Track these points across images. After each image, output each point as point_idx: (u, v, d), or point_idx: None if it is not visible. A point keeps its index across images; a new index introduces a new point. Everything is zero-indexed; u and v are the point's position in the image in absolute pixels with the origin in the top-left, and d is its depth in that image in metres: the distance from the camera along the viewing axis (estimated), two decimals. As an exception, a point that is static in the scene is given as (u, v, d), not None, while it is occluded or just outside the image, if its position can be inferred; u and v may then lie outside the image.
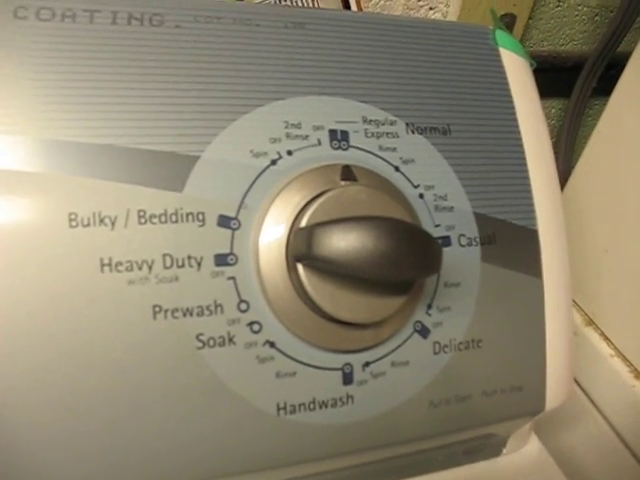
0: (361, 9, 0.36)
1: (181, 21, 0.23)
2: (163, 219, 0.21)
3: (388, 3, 0.41)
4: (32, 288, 0.19)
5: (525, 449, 0.29)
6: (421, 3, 0.42)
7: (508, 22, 0.42)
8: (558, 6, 0.46)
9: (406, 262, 0.20)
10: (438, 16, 0.43)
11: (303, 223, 0.21)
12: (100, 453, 0.20)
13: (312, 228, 0.20)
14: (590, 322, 0.36)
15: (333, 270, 0.20)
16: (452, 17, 0.42)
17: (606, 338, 0.35)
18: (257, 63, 0.23)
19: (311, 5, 0.38)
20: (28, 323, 0.19)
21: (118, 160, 0.21)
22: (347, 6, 0.36)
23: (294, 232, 0.21)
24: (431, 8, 0.42)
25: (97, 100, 0.21)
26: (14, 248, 0.19)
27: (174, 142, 0.21)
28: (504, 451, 0.29)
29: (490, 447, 0.28)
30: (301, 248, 0.20)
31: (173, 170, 0.21)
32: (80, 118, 0.21)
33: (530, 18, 0.45)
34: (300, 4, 0.38)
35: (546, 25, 0.46)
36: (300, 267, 0.21)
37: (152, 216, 0.21)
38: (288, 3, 0.38)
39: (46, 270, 0.20)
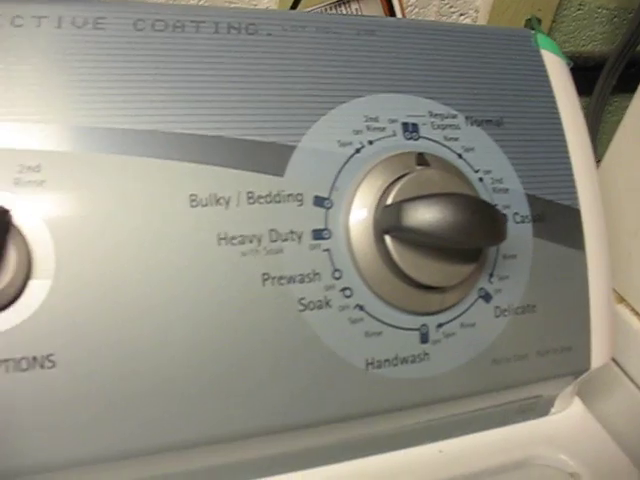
0: (405, 16, 0.41)
1: (272, 30, 0.27)
2: (268, 199, 0.25)
3: (422, 10, 0.46)
4: (158, 260, 0.24)
5: (570, 409, 0.34)
6: (452, 10, 0.47)
7: (533, 26, 0.47)
8: (579, 9, 0.51)
9: (479, 231, 0.25)
10: (468, 21, 0.48)
11: (389, 201, 0.25)
12: (213, 404, 0.24)
13: (401, 204, 0.24)
14: (621, 299, 0.41)
15: (419, 239, 0.25)
16: (481, 22, 0.47)
17: (637, 313, 0.39)
18: (337, 65, 0.28)
19: (354, 13, 0.42)
20: (156, 290, 0.24)
21: (228, 149, 0.25)
22: (392, 14, 0.41)
23: (381, 209, 0.26)
24: (462, 14, 0.47)
25: (208, 98, 0.26)
26: (142, 225, 0.24)
27: (275, 134, 0.26)
28: (552, 410, 0.33)
29: (540, 406, 0.33)
30: (390, 221, 0.25)
31: (275, 157, 0.26)
32: (196, 113, 0.25)
33: (553, 21, 0.50)
34: (344, 12, 0.42)
35: (568, 27, 0.51)
36: (388, 238, 0.25)
37: (259, 197, 0.25)
38: (334, 12, 0.42)
39: (170, 243, 0.24)
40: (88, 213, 0.23)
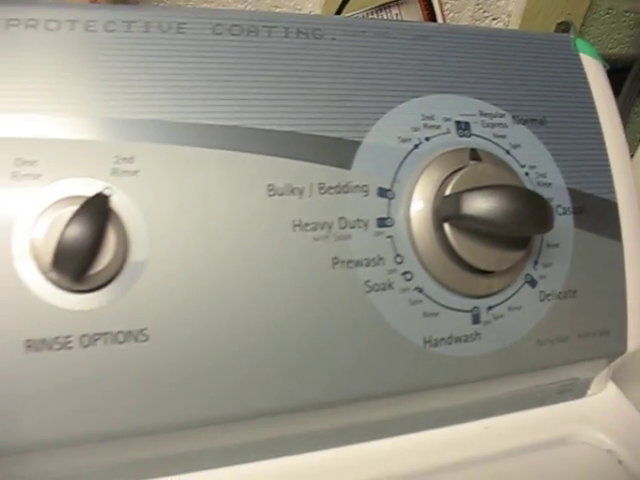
0: (445, 19, 0.44)
1: (336, 35, 0.30)
2: (337, 190, 0.28)
3: (457, 15, 0.49)
4: (239, 244, 0.27)
5: (606, 392, 0.37)
6: (485, 14, 0.50)
7: (564, 29, 0.49)
8: (607, 13, 0.54)
9: (530, 219, 0.28)
10: (500, 25, 0.50)
11: (447, 192, 0.28)
12: (276, 376, 0.27)
13: (460, 194, 0.27)
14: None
15: (476, 227, 0.28)
16: (514, 26, 0.50)
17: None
18: (396, 68, 0.31)
19: (394, 18, 0.45)
20: (237, 271, 0.27)
21: (301, 143, 0.28)
22: (431, 18, 0.44)
23: (439, 199, 0.29)
24: (494, 18, 0.50)
25: (282, 97, 0.28)
26: (225, 211, 0.27)
27: (342, 130, 0.29)
28: (589, 392, 0.36)
29: (577, 388, 0.36)
30: (450, 210, 0.28)
31: (343, 152, 0.29)
32: (271, 111, 0.28)
33: (582, 25, 0.53)
34: (385, 17, 0.45)
35: (596, 31, 0.54)
36: (446, 226, 0.28)
37: (329, 187, 0.28)
38: (375, 16, 0.45)
39: (250, 229, 0.27)
40: (177, 200, 0.26)
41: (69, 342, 0.25)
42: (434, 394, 0.31)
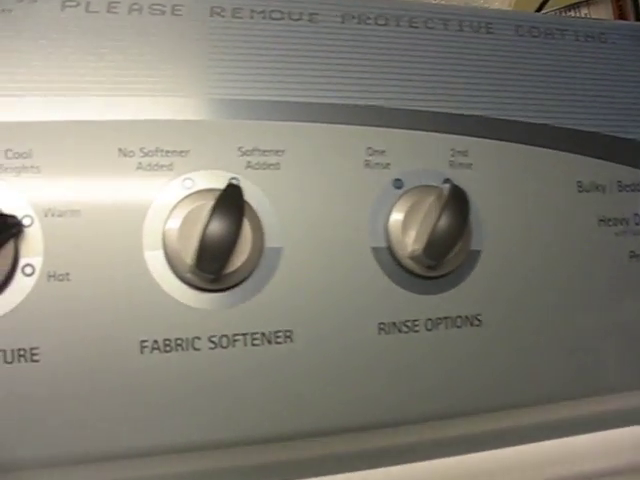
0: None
1: (615, 39, 0.35)
2: (632, 188, 0.33)
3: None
4: (552, 236, 0.31)
5: None
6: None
7: None
8: None
9: None
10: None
11: None
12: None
13: None
14: None
15: None
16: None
17: None
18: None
19: (584, 15, 0.50)
20: (549, 262, 0.31)
21: (602, 143, 0.33)
22: (622, 16, 0.49)
23: None
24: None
25: (579, 98, 0.33)
26: (541, 205, 0.31)
27: (633, 132, 0.34)
28: None
29: None
30: None
31: (636, 152, 0.33)
32: (571, 111, 0.33)
33: None
34: (573, 16, 0.50)
35: None
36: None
37: (626, 185, 0.33)
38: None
39: (561, 222, 0.31)
40: (505, 192, 0.31)
41: (416, 326, 0.29)
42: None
